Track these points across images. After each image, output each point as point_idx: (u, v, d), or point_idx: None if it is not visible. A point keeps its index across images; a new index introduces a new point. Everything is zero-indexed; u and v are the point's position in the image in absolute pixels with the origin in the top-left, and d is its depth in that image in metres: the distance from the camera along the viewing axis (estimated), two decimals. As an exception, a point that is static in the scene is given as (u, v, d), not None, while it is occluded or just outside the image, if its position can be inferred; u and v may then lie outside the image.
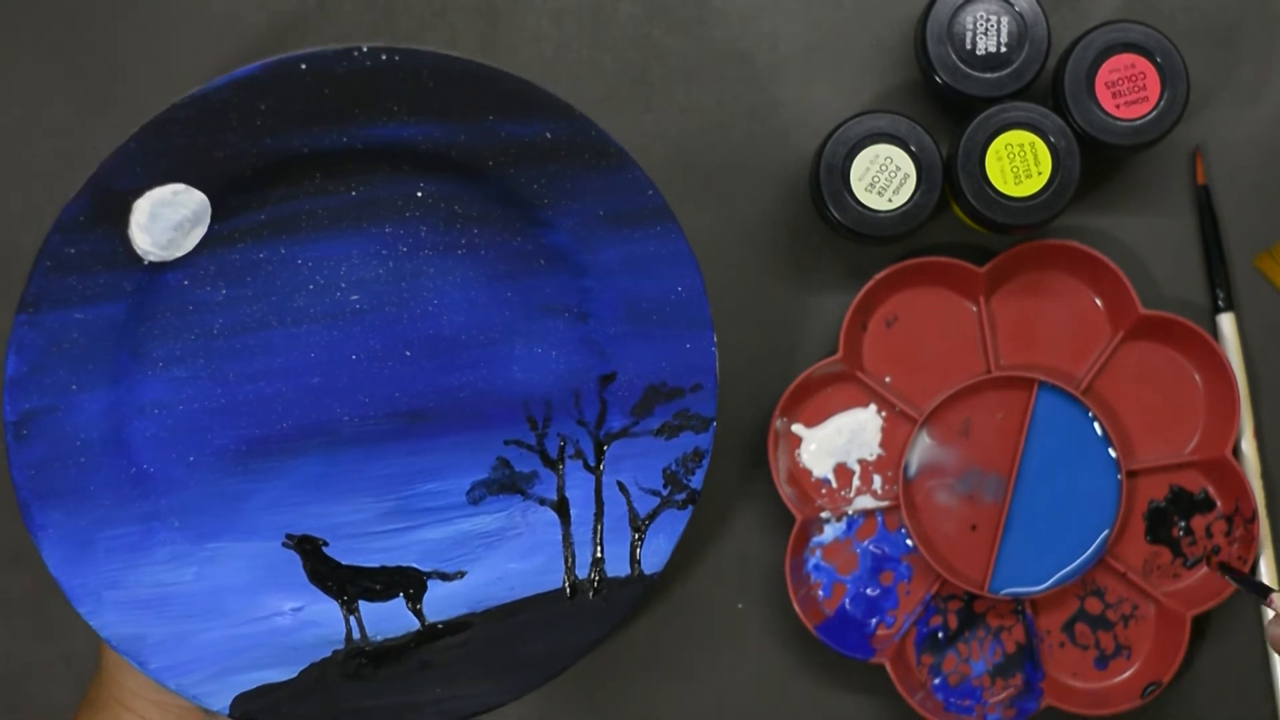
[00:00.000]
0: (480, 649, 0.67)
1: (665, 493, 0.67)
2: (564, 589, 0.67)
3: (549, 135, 0.64)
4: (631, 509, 0.67)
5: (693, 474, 0.67)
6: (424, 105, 0.63)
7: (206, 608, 0.65)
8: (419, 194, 0.65)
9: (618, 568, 0.67)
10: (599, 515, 0.68)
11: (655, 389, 0.67)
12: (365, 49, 0.61)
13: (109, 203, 0.61)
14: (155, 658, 0.64)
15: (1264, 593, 0.63)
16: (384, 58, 0.62)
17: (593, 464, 0.67)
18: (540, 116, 0.63)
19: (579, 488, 0.68)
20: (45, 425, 0.63)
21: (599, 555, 0.67)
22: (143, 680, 0.66)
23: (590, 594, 0.67)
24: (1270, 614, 0.60)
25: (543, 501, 0.68)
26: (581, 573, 0.67)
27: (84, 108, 0.74)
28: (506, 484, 0.68)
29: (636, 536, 0.67)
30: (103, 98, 0.74)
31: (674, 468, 0.67)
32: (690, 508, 0.67)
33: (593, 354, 0.67)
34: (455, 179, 0.64)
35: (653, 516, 0.67)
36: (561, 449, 0.68)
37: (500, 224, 0.65)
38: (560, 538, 0.68)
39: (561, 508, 0.68)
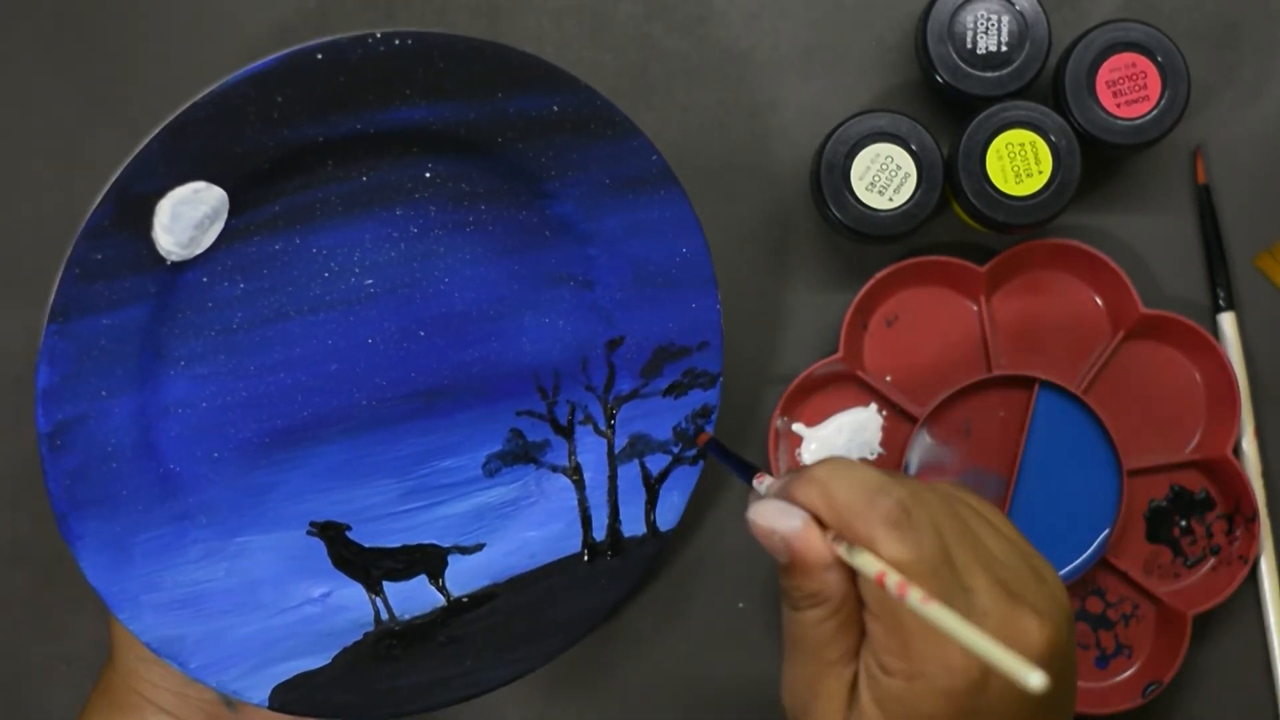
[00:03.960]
0: (506, 619, 0.68)
1: (676, 450, 0.68)
2: (582, 553, 0.68)
3: (556, 108, 0.64)
4: (644, 468, 0.68)
5: (702, 430, 0.68)
6: (435, 87, 0.63)
7: (240, 602, 0.65)
8: (428, 174, 0.65)
9: (634, 527, 0.68)
10: (612, 477, 0.68)
11: (663, 349, 0.68)
12: (379, 34, 0.62)
13: (133, 206, 0.61)
14: (195, 657, 0.64)
15: (751, 472, 0.60)
16: (397, 42, 0.62)
17: (603, 428, 0.68)
18: (547, 90, 0.64)
19: (591, 452, 0.69)
20: (78, 434, 0.63)
21: (615, 517, 0.68)
22: (164, 673, 0.66)
23: (608, 555, 0.68)
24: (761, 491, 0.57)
25: (556, 469, 0.69)
26: (599, 535, 0.68)
27: (86, 110, 0.74)
28: (520, 454, 0.68)
29: (650, 496, 0.68)
30: (105, 100, 0.74)
31: (684, 425, 0.68)
32: (701, 463, 0.68)
33: (600, 320, 0.68)
34: (463, 157, 0.65)
35: (665, 475, 0.68)
36: (571, 415, 0.68)
37: (507, 199, 0.66)
38: (576, 503, 0.69)
39: (575, 473, 0.69)
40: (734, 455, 0.64)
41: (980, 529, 0.55)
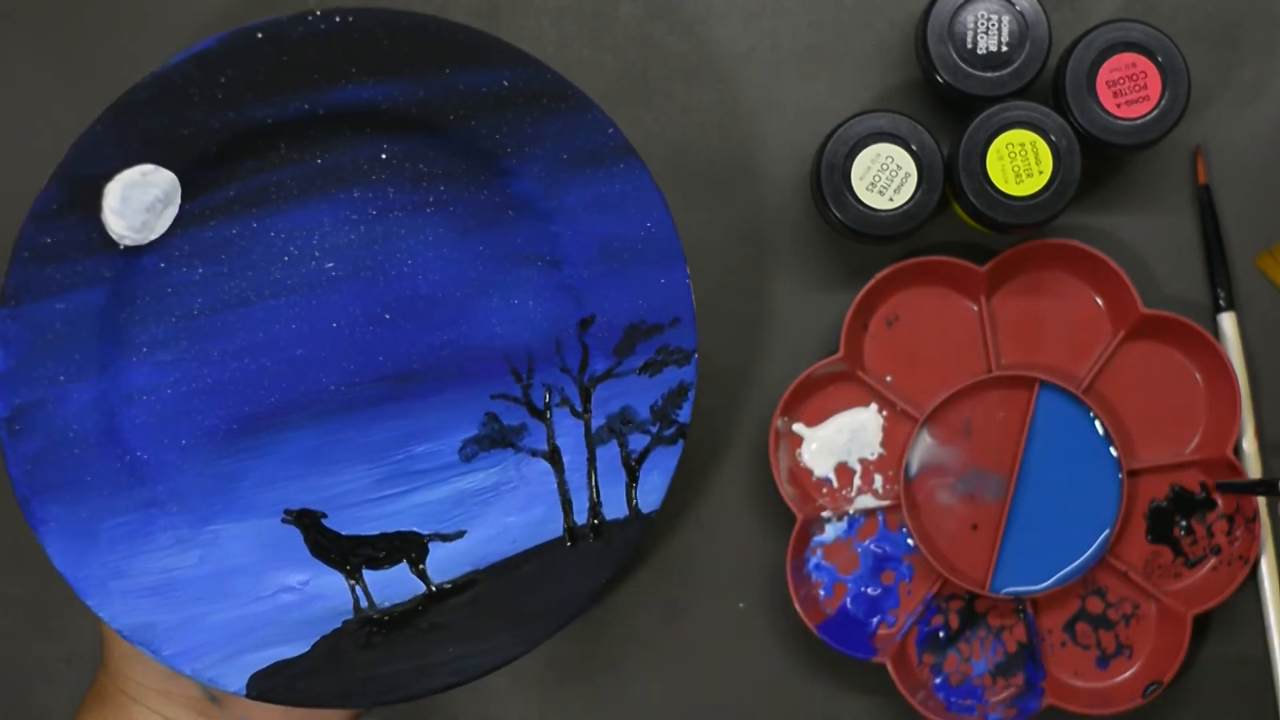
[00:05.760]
0: (488, 605, 0.67)
1: (655, 430, 0.68)
2: (564, 537, 0.67)
3: (506, 83, 0.64)
4: (623, 449, 0.68)
5: (679, 408, 0.67)
6: (381, 64, 0.63)
7: (213, 590, 0.65)
8: (383, 155, 0.65)
9: (615, 510, 0.68)
10: (591, 460, 0.68)
11: (635, 327, 0.67)
12: (319, 12, 0.62)
13: (80, 189, 0.62)
14: (167, 644, 0.64)
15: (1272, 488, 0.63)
16: (338, 19, 0.62)
17: (580, 409, 0.68)
18: (496, 65, 0.64)
19: (569, 434, 0.68)
20: (37, 419, 0.63)
21: (595, 499, 0.68)
22: (148, 670, 0.66)
23: (591, 538, 0.68)
24: None
25: (534, 452, 0.68)
26: (580, 518, 0.68)
27: (84, 108, 0.74)
28: (496, 438, 0.68)
29: (630, 478, 0.68)
30: (103, 98, 0.74)
31: (660, 404, 0.67)
32: (681, 441, 0.67)
33: (569, 299, 0.67)
34: (417, 137, 0.65)
35: (645, 455, 0.67)
36: (547, 398, 0.68)
37: (466, 178, 0.66)
38: (555, 486, 0.68)
39: (554, 456, 0.68)
40: (1246, 483, 0.68)
41: None
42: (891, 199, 0.69)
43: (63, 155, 0.74)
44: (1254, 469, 0.73)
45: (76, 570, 0.64)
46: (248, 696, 0.65)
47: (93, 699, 0.67)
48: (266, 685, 0.65)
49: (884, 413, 0.73)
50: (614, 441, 0.68)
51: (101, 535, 0.64)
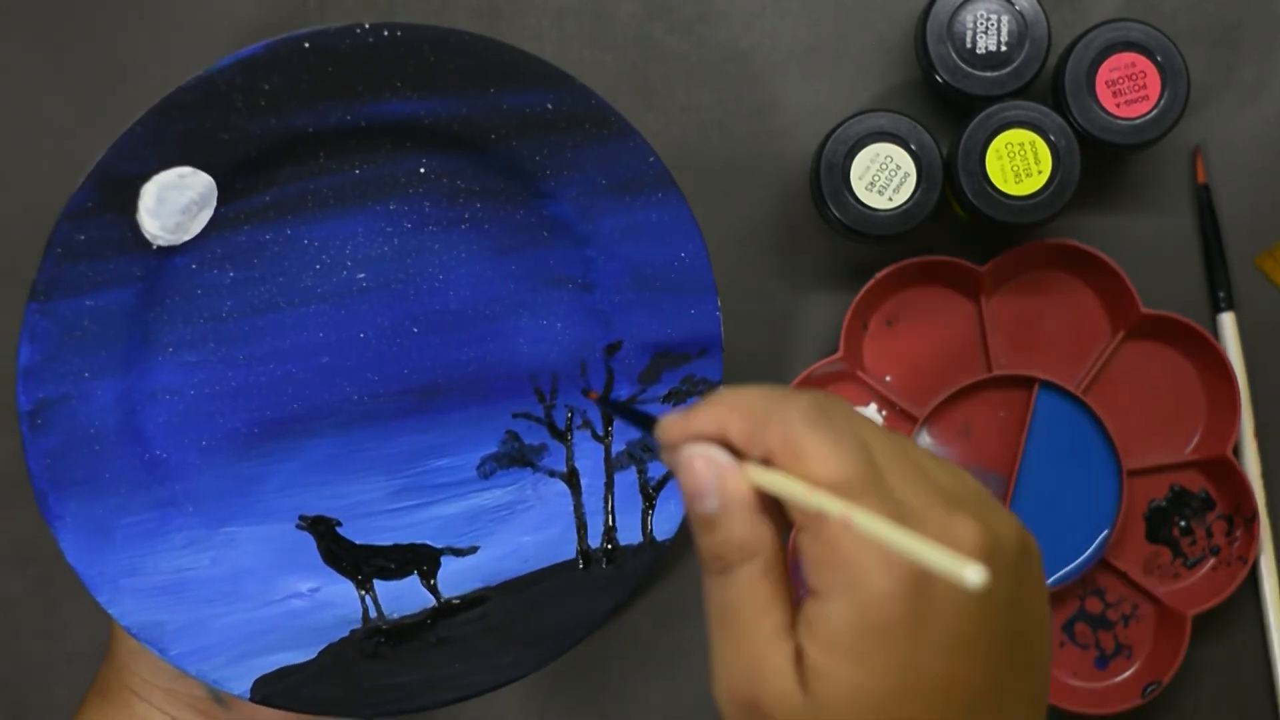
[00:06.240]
0: (497, 622, 0.67)
1: None
2: (577, 559, 0.67)
3: (550, 106, 0.64)
4: (642, 476, 0.68)
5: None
6: (426, 80, 0.63)
7: (224, 592, 0.65)
8: (422, 170, 0.65)
9: (630, 536, 0.68)
10: (609, 485, 0.68)
11: (662, 355, 0.67)
12: (367, 25, 0.62)
13: (116, 188, 0.62)
14: (175, 644, 0.64)
15: (650, 424, 0.53)
16: (386, 34, 0.62)
17: (601, 433, 0.68)
18: (541, 87, 0.64)
19: (588, 458, 0.68)
20: (60, 414, 0.63)
21: (611, 524, 0.68)
22: (154, 668, 0.66)
23: (604, 563, 0.68)
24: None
25: (553, 473, 0.68)
26: (594, 542, 0.68)
27: (84, 108, 0.74)
28: (516, 457, 0.68)
29: (647, 504, 0.68)
30: (103, 97, 0.74)
31: None
32: None
33: (598, 324, 0.67)
34: (458, 153, 0.65)
35: (663, 483, 0.68)
36: (569, 420, 0.68)
37: (503, 197, 0.66)
38: (572, 508, 0.68)
39: (571, 479, 0.68)
40: (629, 409, 0.62)
41: (908, 447, 0.50)
42: (891, 199, 0.69)
43: (62, 155, 0.74)
44: (1254, 469, 0.73)
45: (89, 567, 0.64)
46: (252, 700, 0.65)
47: (96, 694, 0.67)
48: (271, 690, 0.65)
49: (884, 413, 0.73)
50: (633, 468, 0.68)
51: (117, 532, 0.64)
